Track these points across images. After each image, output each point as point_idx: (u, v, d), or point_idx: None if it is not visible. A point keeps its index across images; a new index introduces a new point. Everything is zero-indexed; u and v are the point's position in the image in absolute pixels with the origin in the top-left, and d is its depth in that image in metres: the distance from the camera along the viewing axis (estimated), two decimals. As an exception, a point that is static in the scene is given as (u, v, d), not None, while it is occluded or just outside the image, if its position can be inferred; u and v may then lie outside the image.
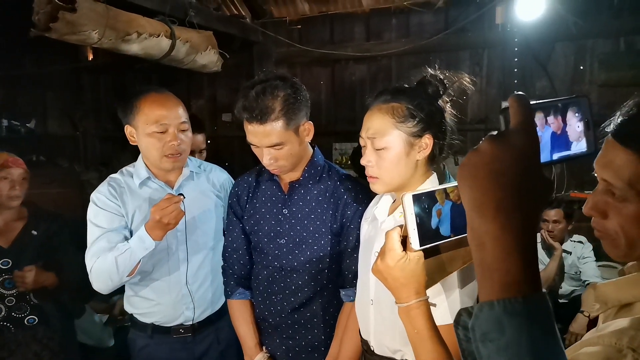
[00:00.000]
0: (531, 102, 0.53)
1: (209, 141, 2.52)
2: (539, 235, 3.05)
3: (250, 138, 1.45)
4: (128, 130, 1.64)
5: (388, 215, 1.26)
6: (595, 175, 0.69)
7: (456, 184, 0.78)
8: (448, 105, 1.23)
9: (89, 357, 2.69)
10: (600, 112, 3.40)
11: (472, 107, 4.02)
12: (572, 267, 3.16)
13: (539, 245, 3.09)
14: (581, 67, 3.79)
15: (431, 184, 1.21)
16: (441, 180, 1.25)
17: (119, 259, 1.50)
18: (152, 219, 1.47)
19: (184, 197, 1.50)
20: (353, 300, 1.42)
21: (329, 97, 4.57)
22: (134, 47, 2.86)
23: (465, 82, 1.22)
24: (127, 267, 1.51)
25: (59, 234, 2.12)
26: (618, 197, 0.65)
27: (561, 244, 3.06)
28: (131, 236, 1.58)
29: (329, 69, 4.55)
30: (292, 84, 1.45)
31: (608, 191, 0.67)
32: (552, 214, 3.05)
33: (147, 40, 2.88)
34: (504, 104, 0.56)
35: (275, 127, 1.40)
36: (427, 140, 1.18)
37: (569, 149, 0.59)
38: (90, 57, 5.00)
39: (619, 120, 0.66)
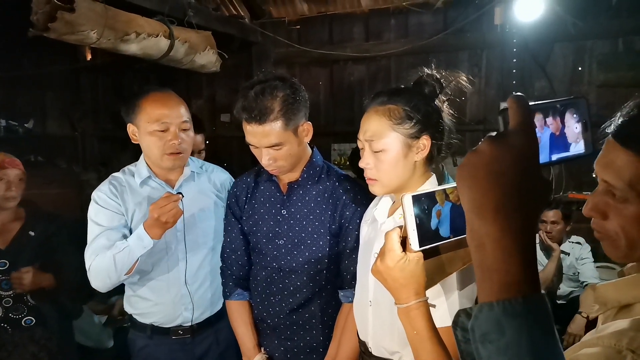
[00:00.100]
0: (530, 103, 0.53)
1: (207, 141, 2.52)
2: (537, 236, 3.05)
3: (249, 138, 1.45)
4: (130, 128, 1.65)
5: (388, 217, 1.26)
6: (595, 176, 0.69)
7: (455, 185, 0.78)
8: (445, 104, 1.23)
9: (88, 359, 2.68)
10: (599, 113, 3.43)
11: (471, 108, 4.03)
12: (571, 268, 3.16)
13: (537, 247, 3.09)
14: (580, 68, 3.80)
15: (430, 185, 1.21)
16: (440, 181, 1.25)
17: (117, 257, 1.50)
18: (150, 217, 1.48)
19: (183, 196, 1.50)
20: (351, 301, 1.42)
21: (327, 97, 4.58)
22: (133, 47, 2.86)
23: (462, 82, 1.22)
24: (125, 266, 1.51)
25: (57, 235, 2.12)
26: (618, 198, 0.65)
27: (559, 245, 3.06)
28: (131, 235, 1.58)
29: (328, 69, 4.55)
30: (291, 84, 1.45)
31: (608, 192, 0.67)
32: (550, 215, 3.06)
33: (146, 40, 2.88)
34: (503, 105, 0.56)
35: (274, 128, 1.40)
36: (425, 141, 1.17)
37: (567, 150, 0.59)
38: (89, 57, 5.00)
39: (620, 121, 0.66)
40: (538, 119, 0.57)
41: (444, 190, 0.83)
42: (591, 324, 2.41)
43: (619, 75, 3.56)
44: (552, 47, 3.83)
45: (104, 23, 2.57)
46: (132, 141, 1.67)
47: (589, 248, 3.13)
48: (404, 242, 0.88)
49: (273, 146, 1.42)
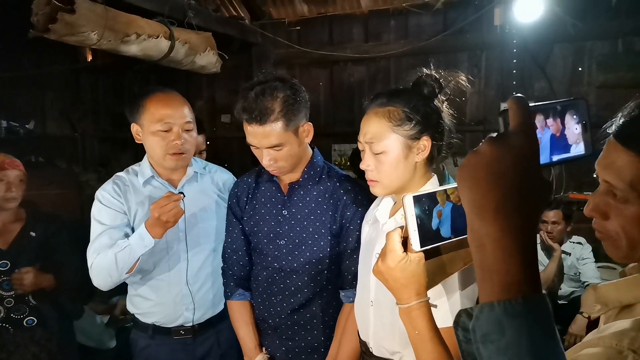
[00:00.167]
0: (530, 104, 0.53)
1: (208, 142, 2.52)
2: (538, 236, 3.05)
3: (249, 139, 1.46)
4: (134, 128, 1.67)
5: (389, 218, 1.26)
6: (596, 176, 0.69)
7: (456, 185, 0.78)
8: (445, 104, 1.23)
9: (90, 359, 2.68)
10: (598, 114, 3.43)
11: (471, 109, 4.03)
12: (572, 268, 3.16)
13: (538, 247, 3.09)
14: (579, 69, 3.80)
15: (432, 186, 1.21)
16: (440, 182, 1.25)
17: (118, 255, 1.51)
18: (151, 216, 1.48)
19: (184, 196, 1.51)
20: (352, 302, 1.42)
21: (327, 98, 4.58)
22: (133, 48, 2.86)
23: (461, 81, 1.22)
24: (126, 264, 1.52)
25: (58, 235, 2.12)
26: (619, 198, 0.65)
27: (560, 245, 3.06)
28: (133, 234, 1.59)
29: (328, 70, 4.55)
30: (291, 85, 1.45)
31: (609, 192, 0.67)
32: (551, 215, 3.06)
33: (146, 41, 2.88)
34: (503, 106, 0.56)
35: (274, 128, 1.40)
36: (425, 142, 1.18)
37: (568, 151, 0.60)
38: (89, 58, 5.00)
39: (621, 121, 0.66)
40: (539, 120, 0.57)
41: (445, 190, 0.83)
42: (592, 325, 2.41)
43: (619, 76, 3.57)
44: (551, 48, 3.84)
45: (104, 24, 2.57)
46: (136, 141, 1.69)
47: (590, 248, 3.13)
48: (405, 243, 0.88)
49: (274, 147, 1.42)
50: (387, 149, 1.17)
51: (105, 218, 1.61)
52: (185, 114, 1.63)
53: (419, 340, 0.88)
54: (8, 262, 1.98)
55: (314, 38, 4.53)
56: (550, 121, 0.58)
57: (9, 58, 4.05)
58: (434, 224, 0.82)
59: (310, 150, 1.58)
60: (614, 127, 0.66)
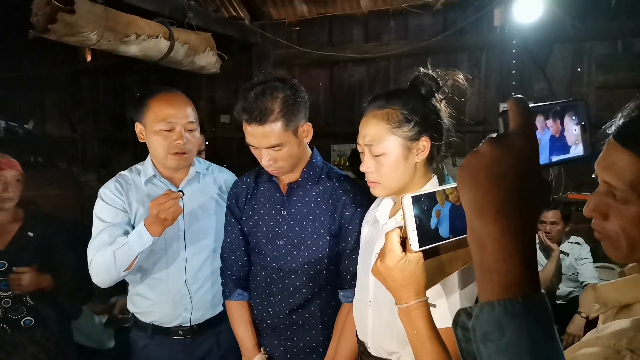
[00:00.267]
0: (530, 105, 0.54)
1: (207, 142, 2.53)
2: (536, 236, 3.05)
3: (249, 139, 1.46)
4: (138, 127, 1.67)
5: (389, 218, 1.26)
6: (596, 177, 0.69)
7: (455, 185, 0.79)
8: (443, 103, 1.23)
9: (89, 359, 2.68)
10: (598, 114, 3.43)
11: (470, 109, 4.03)
12: (570, 269, 3.16)
13: (537, 247, 3.09)
14: (579, 69, 3.81)
15: (432, 186, 1.21)
16: (440, 182, 1.26)
17: (117, 253, 1.51)
18: (150, 214, 1.49)
19: (183, 194, 1.51)
20: (351, 302, 1.42)
21: (327, 98, 4.58)
22: (133, 49, 2.86)
23: (459, 80, 1.22)
24: (124, 262, 1.52)
25: (56, 236, 2.12)
26: (619, 199, 0.66)
27: (559, 245, 3.06)
28: None
29: (328, 70, 4.56)
30: (291, 85, 1.45)
31: (609, 193, 0.67)
32: (550, 215, 3.06)
33: (146, 41, 2.88)
34: (503, 107, 0.57)
35: (274, 128, 1.40)
36: (425, 143, 1.18)
37: (567, 152, 0.60)
38: (89, 58, 5.00)
39: (621, 122, 0.66)
40: (539, 120, 0.57)
41: (444, 190, 0.83)
42: (590, 324, 2.41)
43: (618, 77, 3.57)
44: (551, 49, 3.84)
45: (104, 24, 2.57)
46: (139, 140, 1.69)
47: (588, 248, 3.13)
48: (404, 243, 0.88)
49: (273, 147, 1.43)
50: (387, 150, 1.17)
51: (107, 215, 1.62)
52: (188, 113, 1.64)
53: (417, 340, 0.88)
54: (5, 263, 1.97)
55: (314, 38, 4.53)
56: (550, 122, 0.58)
57: (8, 58, 4.05)
58: (433, 224, 0.82)
59: (309, 151, 1.58)
60: (613, 128, 0.67)
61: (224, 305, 1.73)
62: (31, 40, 2.44)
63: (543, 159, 0.57)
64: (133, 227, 1.63)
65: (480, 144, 0.52)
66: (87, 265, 1.60)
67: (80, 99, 5.36)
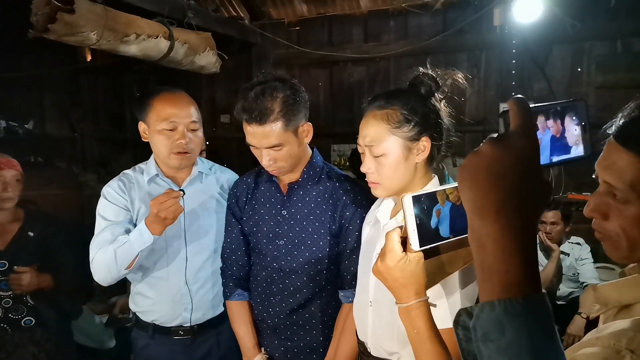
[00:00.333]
0: (531, 106, 0.54)
1: (207, 142, 2.53)
2: (537, 237, 3.05)
3: (249, 139, 1.46)
4: (141, 127, 1.68)
5: (390, 218, 1.26)
6: (596, 177, 0.69)
7: (456, 185, 0.79)
8: (443, 103, 1.23)
9: (89, 359, 2.68)
10: (597, 115, 3.43)
11: (470, 109, 4.03)
12: (570, 269, 3.16)
13: (537, 247, 3.09)
14: (579, 69, 3.81)
15: (433, 186, 1.21)
16: (440, 182, 1.26)
17: (117, 251, 1.52)
18: (150, 213, 1.49)
19: (184, 193, 1.51)
20: (351, 302, 1.42)
21: (327, 98, 4.58)
22: (133, 49, 2.86)
23: (458, 79, 1.21)
24: (125, 260, 1.53)
25: (56, 235, 2.12)
26: (620, 199, 0.66)
27: (559, 245, 3.07)
28: None
29: (327, 70, 4.56)
30: (291, 85, 1.45)
31: (609, 193, 0.67)
32: (550, 215, 3.06)
33: (146, 41, 2.88)
34: (503, 107, 0.57)
35: (274, 128, 1.40)
36: (425, 143, 1.18)
37: (567, 152, 0.60)
38: (89, 58, 5.00)
39: (621, 122, 0.66)
40: (540, 121, 0.57)
41: (444, 190, 0.83)
42: (591, 325, 2.42)
43: (618, 77, 3.57)
44: (551, 49, 3.84)
45: (104, 24, 2.57)
46: (143, 139, 1.70)
47: (589, 249, 3.13)
48: (404, 242, 0.88)
49: (273, 147, 1.43)
50: (387, 151, 1.17)
51: (109, 214, 1.63)
52: (191, 113, 1.65)
53: (418, 340, 0.89)
54: (6, 262, 1.97)
55: (314, 38, 4.53)
56: (550, 122, 0.58)
57: (8, 58, 4.05)
58: (433, 223, 0.82)
59: (309, 151, 1.58)
60: (613, 128, 0.67)
61: (224, 305, 1.73)
62: (31, 40, 2.44)
63: (544, 159, 0.57)
64: (135, 226, 1.63)
65: (481, 144, 0.52)
66: (87, 265, 1.60)
67: (80, 98, 5.36)
